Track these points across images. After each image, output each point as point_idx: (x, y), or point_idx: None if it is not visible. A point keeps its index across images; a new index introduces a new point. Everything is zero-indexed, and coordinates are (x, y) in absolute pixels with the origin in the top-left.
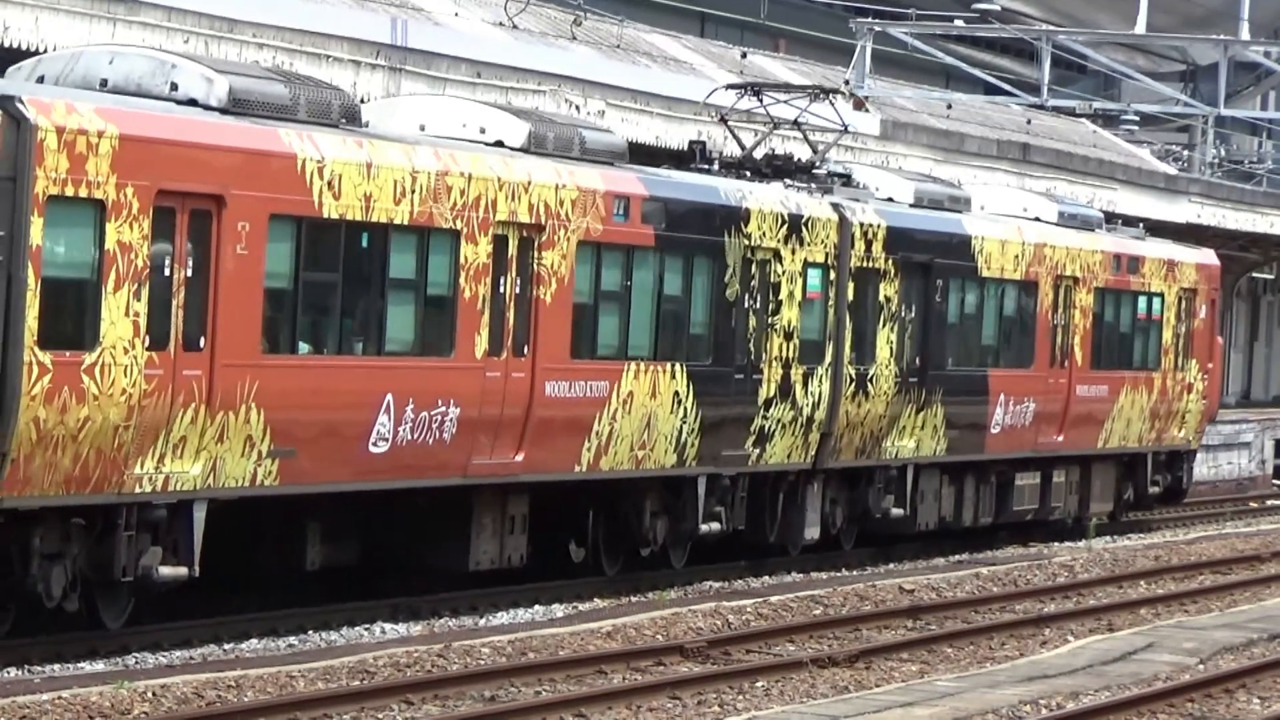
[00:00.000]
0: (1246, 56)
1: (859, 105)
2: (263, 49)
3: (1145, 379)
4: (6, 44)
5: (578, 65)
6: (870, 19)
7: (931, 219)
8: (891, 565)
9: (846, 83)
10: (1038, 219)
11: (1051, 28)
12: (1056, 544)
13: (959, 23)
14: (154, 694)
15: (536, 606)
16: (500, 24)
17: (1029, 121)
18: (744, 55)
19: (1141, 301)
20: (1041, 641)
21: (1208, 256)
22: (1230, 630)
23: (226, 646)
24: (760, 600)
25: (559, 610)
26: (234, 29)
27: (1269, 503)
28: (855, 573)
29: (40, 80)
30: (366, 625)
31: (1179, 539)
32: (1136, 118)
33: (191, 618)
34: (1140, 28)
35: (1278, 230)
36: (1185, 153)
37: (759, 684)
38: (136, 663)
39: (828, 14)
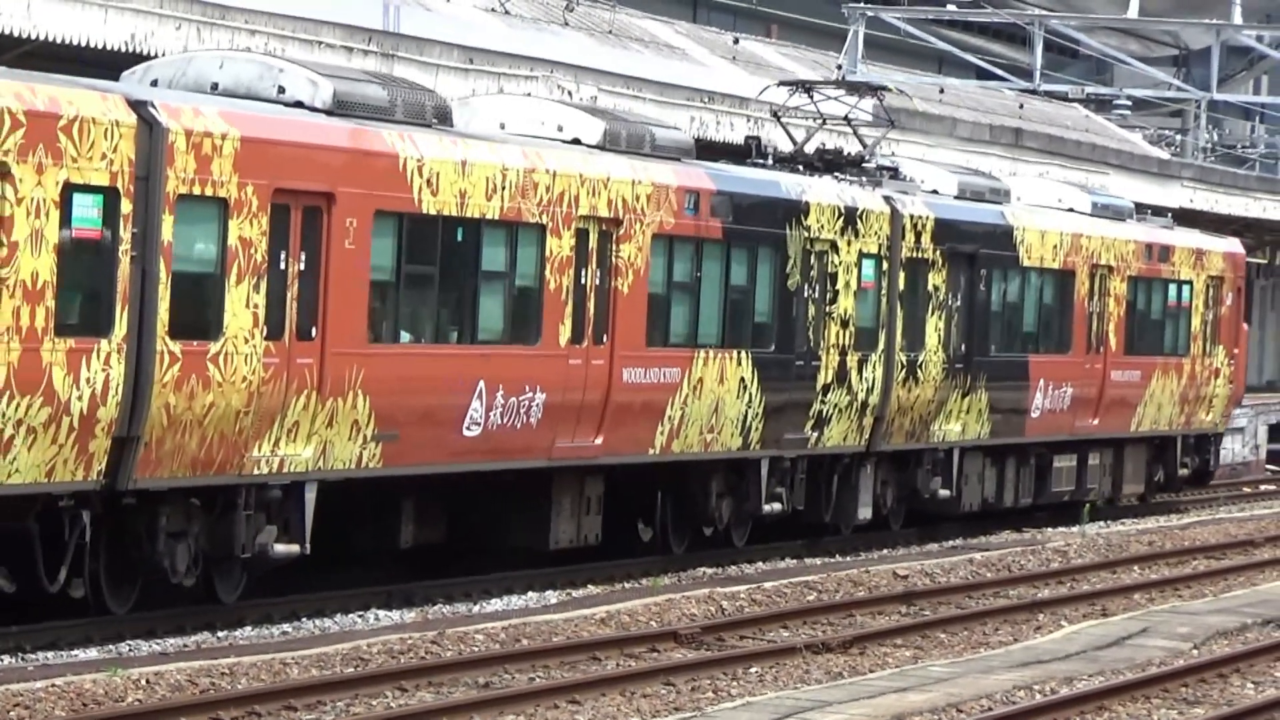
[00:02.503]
0: (1239, 41)
1: (854, 90)
2: (254, 35)
3: (1175, 364)
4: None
5: (570, 51)
6: (862, 4)
7: (976, 210)
8: (885, 550)
9: (839, 67)
10: (1072, 210)
11: (1044, 12)
12: (1050, 529)
13: (951, 7)
14: (148, 681)
15: (530, 593)
16: (492, 10)
17: (1021, 106)
18: (736, 41)
19: (1172, 289)
20: (1035, 627)
21: (1234, 245)
22: (1224, 615)
23: (220, 634)
24: (754, 586)
25: (553, 596)
26: (226, 15)
27: (1262, 488)
28: (849, 558)
29: (154, 84)
30: (360, 612)
31: (1172, 524)
32: (1129, 102)
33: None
34: (1132, 12)
35: (1270, 215)
36: (1178, 137)
37: (753, 670)
38: (130, 650)
39: None
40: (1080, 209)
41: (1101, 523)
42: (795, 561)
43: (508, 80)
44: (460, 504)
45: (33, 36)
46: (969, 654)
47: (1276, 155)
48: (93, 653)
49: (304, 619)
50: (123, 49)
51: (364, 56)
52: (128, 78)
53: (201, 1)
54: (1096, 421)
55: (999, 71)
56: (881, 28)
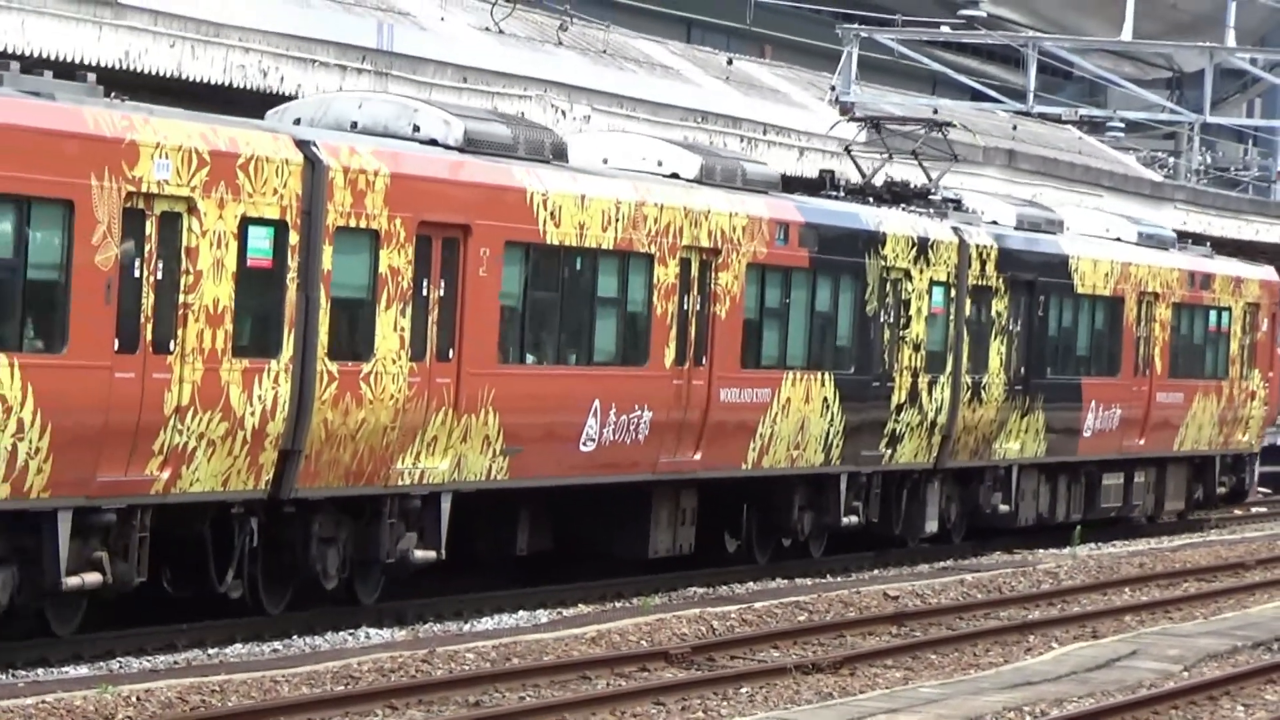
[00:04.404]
0: (1232, 63)
1: (845, 112)
2: (249, 53)
3: (1215, 387)
4: None
5: (564, 70)
6: (857, 25)
7: (1034, 240)
8: (876, 571)
9: (833, 88)
10: (1119, 239)
11: (1038, 34)
12: (1041, 551)
13: (945, 29)
14: (138, 698)
15: (521, 612)
16: (486, 29)
17: (1015, 128)
18: (730, 61)
19: (1212, 315)
20: (1026, 648)
21: (1269, 274)
22: (1214, 638)
23: (211, 651)
24: (745, 606)
25: (543, 615)
26: (220, 33)
27: (1254, 510)
28: (839, 579)
29: (297, 122)
30: (351, 630)
31: (1163, 546)
32: (1122, 124)
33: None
34: (1126, 34)
35: (1263, 237)
36: (1171, 159)
37: (743, 690)
38: (120, 667)
39: (814, 20)
40: (1127, 238)
41: (1092, 544)
42: (786, 581)
43: (501, 100)
44: (566, 514)
45: (26, 53)
46: (959, 675)
47: (1269, 178)
48: (83, 670)
49: (294, 636)
50: (115, 66)
51: (358, 75)
52: (272, 116)
53: (196, 19)
54: (1143, 441)
55: (992, 93)
56: (875, 49)
